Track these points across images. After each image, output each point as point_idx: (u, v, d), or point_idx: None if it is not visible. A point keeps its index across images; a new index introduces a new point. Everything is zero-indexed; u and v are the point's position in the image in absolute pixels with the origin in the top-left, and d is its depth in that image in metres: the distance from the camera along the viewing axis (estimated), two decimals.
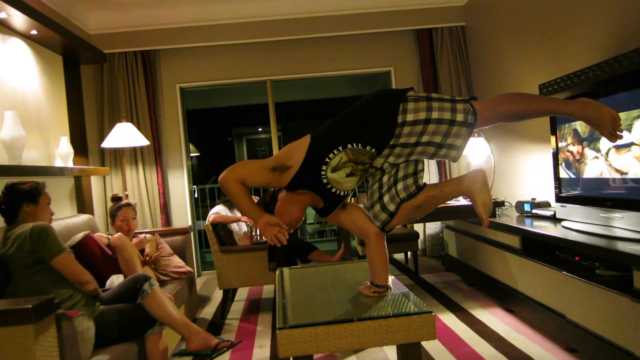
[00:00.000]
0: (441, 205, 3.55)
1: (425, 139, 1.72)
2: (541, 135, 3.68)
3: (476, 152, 4.59)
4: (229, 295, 3.73)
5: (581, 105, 1.67)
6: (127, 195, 4.41)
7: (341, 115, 1.81)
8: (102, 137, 4.53)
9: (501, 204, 3.67)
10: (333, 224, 1.93)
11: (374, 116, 1.73)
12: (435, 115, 1.69)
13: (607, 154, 2.55)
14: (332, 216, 1.91)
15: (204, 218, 4.46)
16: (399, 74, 5.14)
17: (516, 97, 1.74)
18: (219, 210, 3.87)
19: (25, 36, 3.45)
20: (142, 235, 3.21)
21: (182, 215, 5.00)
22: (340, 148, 1.74)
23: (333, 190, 1.81)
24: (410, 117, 1.69)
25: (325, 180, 1.78)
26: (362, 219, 1.88)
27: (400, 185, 1.80)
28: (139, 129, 4.50)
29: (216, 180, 7.61)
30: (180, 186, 5.02)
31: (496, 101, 1.73)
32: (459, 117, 1.69)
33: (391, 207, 1.80)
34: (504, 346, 2.64)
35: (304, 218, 1.91)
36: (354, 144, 1.73)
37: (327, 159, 1.75)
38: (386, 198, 1.81)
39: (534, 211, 3.33)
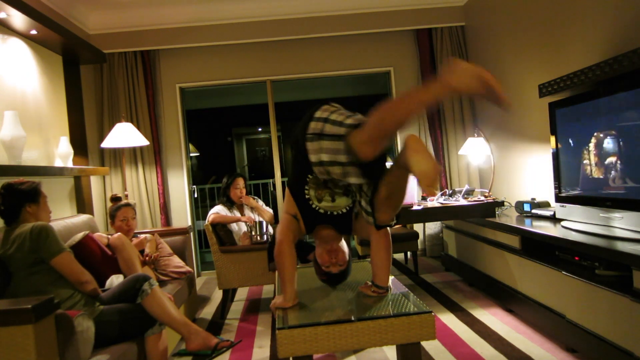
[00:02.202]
0: (440, 205, 3.58)
1: (336, 177, 1.76)
2: (541, 135, 3.68)
3: (476, 152, 4.60)
4: (228, 295, 3.73)
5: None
6: (126, 196, 4.41)
7: (294, 154, 1.92)
8: (101, 137, 4.53)
9: (501, 204, 3.67)
10: (356, 236, 2.01)
11: (301, 154, 1.82)
12: (325, 158, 1.71)
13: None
14: (353, 230, 1.96)
15: (204, 218, 4.46)
16: (399, 74, 5.14)
17: (382, 113, 1.52)
18: (218, 210, 3.87)
19: (24, 36, 3.45)
20: (143, 236, 3.21)
21: (182, 215, 5.00)
22: (306, 186, 1.87)
23: (335, 214, 1.89)
24: (313, 159, 1.75)
25: (322, 211, 1.88)
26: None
27: (365, 186, 1.80)
28: (138, 129, 4.50)
29: (216, 180, 7.61)
30: (179, 186, 5.02)
31: (370, 127, 1.55)
32: (342, 158, 1.66)
33: (369, 208, 1.80)
34: (503, 346, 2.64)
35: (345, 254, 1.96)
36: (309, 175, 1.85)
37: (307, 197, 1.88)
38: (363, 202, 1.83)
39: (533, 211, 3.33)
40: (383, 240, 1.86)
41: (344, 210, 1.90)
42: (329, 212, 1.89)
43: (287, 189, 1.98)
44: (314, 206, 1.89)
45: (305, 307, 1.82)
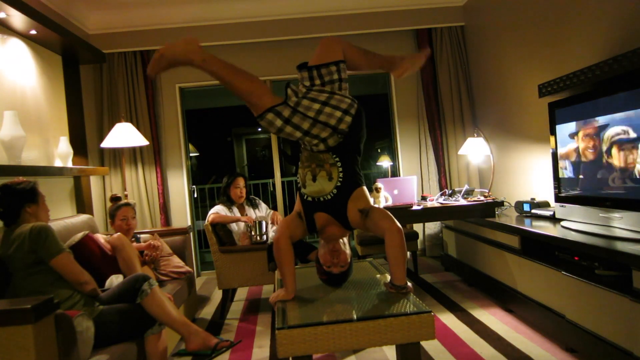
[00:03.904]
0: (440, 205, 3.57)
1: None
2: (541, 135, 3.68)
3: (475, 152, 4.60)
4: (228, 295, 3.73)
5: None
6: (126, 195, 4.41)
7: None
8: (101, 137, 4.53)
9: (500, 204, 3.67)
10: (364, 231, 2.01)
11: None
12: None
13: (608, 151, 2.55)
14: (358, 226, 1.94)
15: (204, 218, 4.46)
16: None
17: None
18: (218, 210, 3.86)
19: (24, 36, 3.45)
20: (152, 241, 3.19)
21: (182, 215, 5.00)
22: (298, 171, 1.96)
23: (322, 200, 1.89)
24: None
25: (310, 199, 1.91)
26: (382, 217, 1.87)
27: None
28: (138, 129, 4.50)
29: (216, 180, 7.59)
30: (179, 186, 5.02)
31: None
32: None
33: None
34: (503, 346, 2.64)
35: (347, 256, 1.98)
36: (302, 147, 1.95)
37: (299, 185, 1.95)
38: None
39: (533, 211, 3.33)
40: (396, 238, 1.81)
41: (329, 197, 1.88)
42: (316, 199, 1.90)
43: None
44: (305, 197, 1.92)
45: (305, 306, 1.82)
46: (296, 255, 3.65)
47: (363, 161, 2.00)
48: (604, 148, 2.57)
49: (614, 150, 2.50)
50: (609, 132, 2.52)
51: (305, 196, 1.92)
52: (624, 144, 2.43)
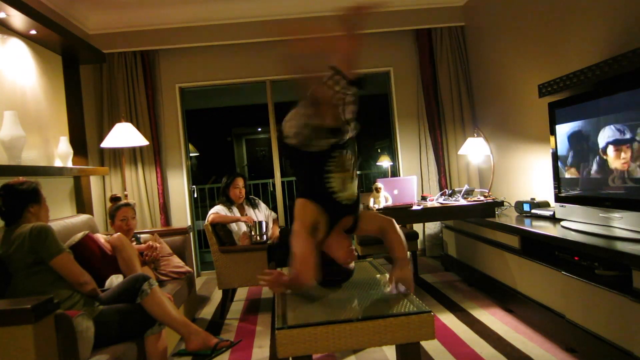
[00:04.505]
0: (440, 205, 3.57)
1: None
2: (541, 135, 3.68)
3: (475, 152, 4.60)
4: (228, 295, 3.73)
5: None
6: (126, 196, 4.41)
7: (294, 162, 1.96)
8: (101, 137, 4.52)
9: (500, 204, 3.68)
10: (361, 234, 2.01)
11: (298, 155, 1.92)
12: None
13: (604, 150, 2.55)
14: (358, 229, 1.97)
15: (204, 218, 4.45)
16: (398, 74, 5.14)
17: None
18: (218, 210, 3.86)
19: (24, 36, 3.45)
20: (151, 243, 3.19)
21: (182, 215, 5.00)
22: (326, 177, 1.83)
23: (344, 203, 1.88)
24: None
25: (345, 202, 1.87)
26: (376, 217, 1.99)
27: None
28: (138, 129, 4.50)
29: (216, 180, 7.58)
30: (179, 186, 5.02)
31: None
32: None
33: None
34: (503, 346, 2.64)
35: (350, 248, 1.98)
36: (326, 166, 1.84)
37: (330, 190, 1.83)
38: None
39: (533, 211, 3.33)
40: (390, 222, 1.94)
41: (355, 198, 1.92)
42: (344, 202, 1.88)
43: (300, 201, 1.88)
44: (341, 202, 1.86)
45: (305, 306, 1.82)
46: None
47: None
48: (604, 148, 2.56)
49: (614, 150, 2.50)
50: (609, 132, 2.52)
51: (343, 201, 1.87)
52: (624, 143, 2.43)
